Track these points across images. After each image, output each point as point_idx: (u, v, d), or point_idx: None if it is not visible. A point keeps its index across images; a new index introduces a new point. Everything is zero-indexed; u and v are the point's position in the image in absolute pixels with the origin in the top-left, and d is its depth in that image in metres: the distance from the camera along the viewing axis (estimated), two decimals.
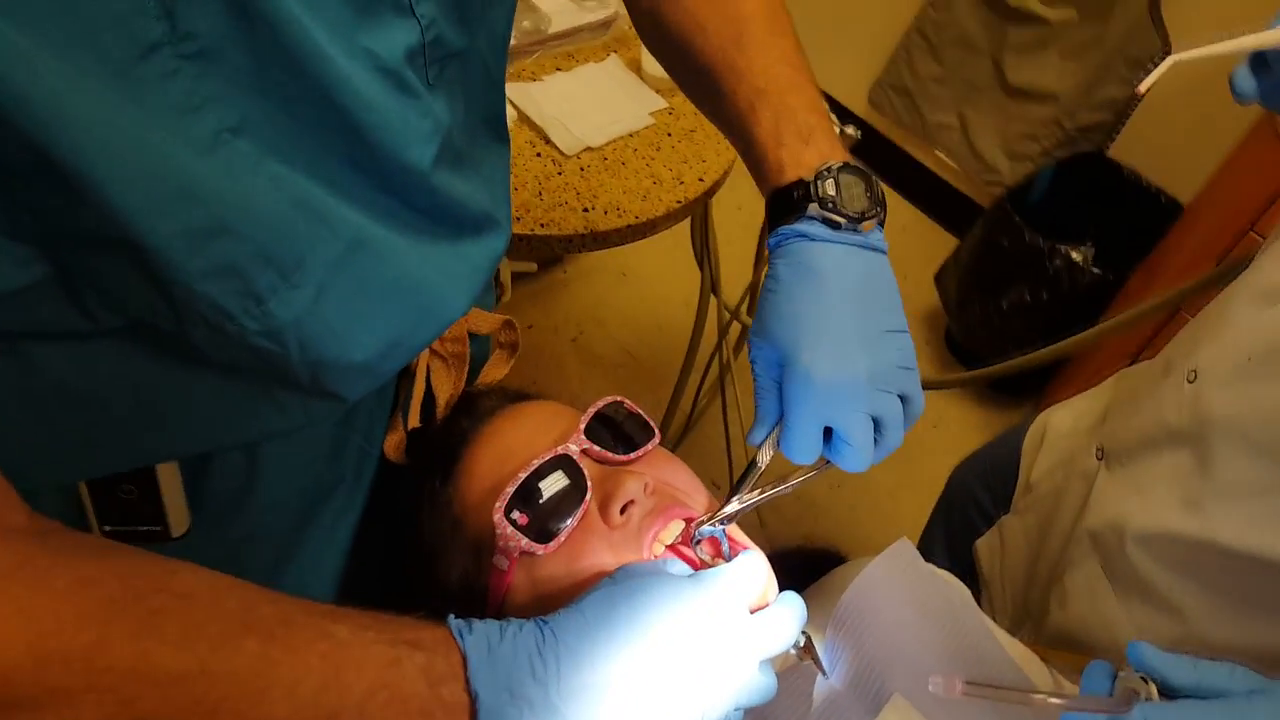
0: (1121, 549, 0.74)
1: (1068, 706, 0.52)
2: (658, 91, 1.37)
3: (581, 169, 1.23)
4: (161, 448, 0.56)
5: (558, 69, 1.36)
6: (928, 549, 1.16)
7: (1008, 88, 2.26)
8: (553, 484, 0.61)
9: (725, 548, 0.60)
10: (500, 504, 0.59)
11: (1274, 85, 0.69)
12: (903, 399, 0.59)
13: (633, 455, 0.65)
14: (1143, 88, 0.76)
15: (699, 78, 0.69)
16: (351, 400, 0.58)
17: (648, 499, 0.61)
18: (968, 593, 0.68)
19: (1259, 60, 0.72)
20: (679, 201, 1.21)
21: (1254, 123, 1.63)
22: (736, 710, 0.49)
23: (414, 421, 0.73)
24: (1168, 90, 1.99)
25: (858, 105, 2.66)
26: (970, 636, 0.60)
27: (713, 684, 0.47)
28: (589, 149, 1.25)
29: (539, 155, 1.23)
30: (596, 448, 0.63)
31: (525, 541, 0.58)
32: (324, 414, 0.60)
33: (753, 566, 0.53)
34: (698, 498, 0.64)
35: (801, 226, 0.60)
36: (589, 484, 0.61)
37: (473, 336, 0.78)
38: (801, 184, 0.60)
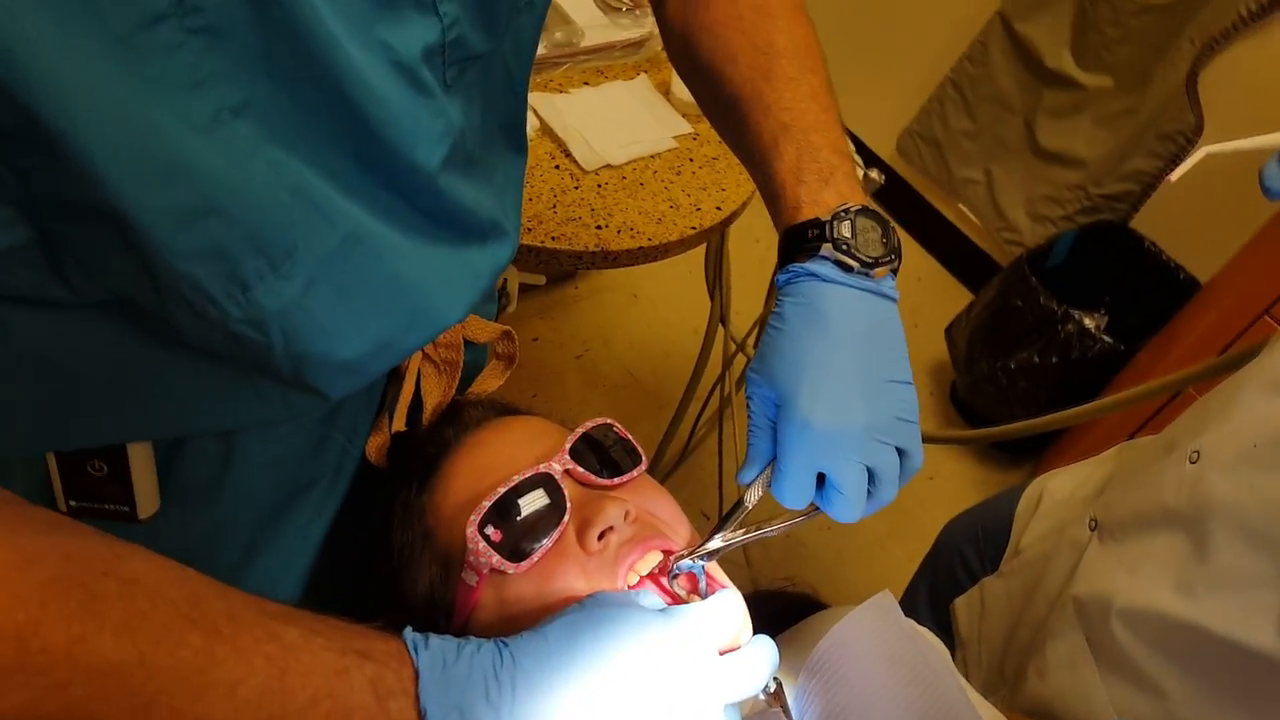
0: (1106, 623, 0.73)
1: None
2: (684, 116, 1.37)
3: (599, 186, 1.22)
4: (134, 427, 0.55)
5: (585, 83, 1.36)
6: (911, 603, 1.14)
7: (1037, 149, 2.26)
8: (531, 502, 0.59)
9: (702, 585, 0.58)
10: (475, 518, 0.58)
11: None
12: (901, 453, 0.57)
13: (617, 480, 0.63)
14: (1174, 176, 0.76)
15: (725, 108, 0.68)
16: (334, 398, 0.57)
17: (627, 527, 0.59)
18: (947, 654, 0.67)
19: None
20: (694, 228, 1.20)
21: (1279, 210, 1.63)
22: None
23: (399, 425, 0.72)
24: (1196, 168, 2.00)
25: (885, 151, 2.66)
26: (945, 701, 0.58)
27: None
28: (609, 166, 1.25)
29: (557, 168, 1.22)
30: (580, 469, 0.62)
31: (497, 559, 0.57)
32: (305, 409, 0.58)
33: (727, 606, 0.51)
34: (680, 530, 0.62)
35: (813, 266, 0.59)
36: (569, 506, 0.60)
37: (469, 345, 0.76)
38: (817, 223, 0.59)
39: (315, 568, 0.72)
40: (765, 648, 0.51)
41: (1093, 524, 0.82)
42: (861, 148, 2.70)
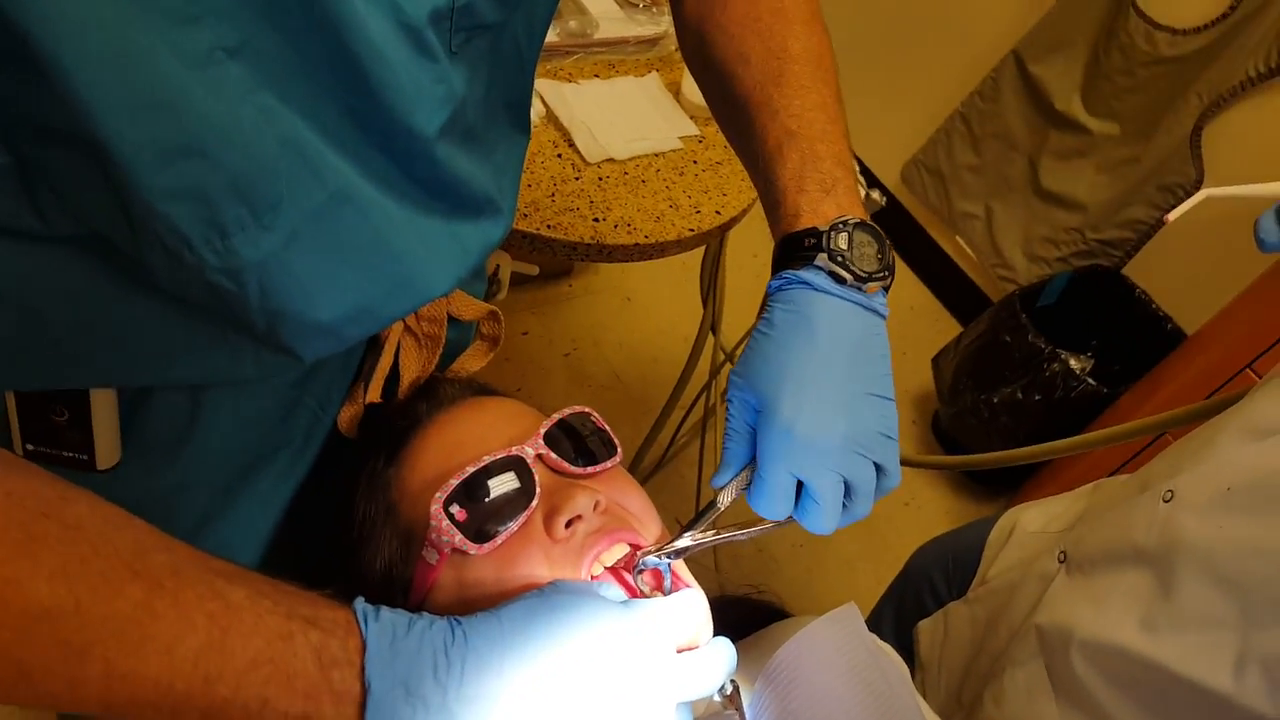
0: (1066, 654, 0.72)
1: None
2: (692, 118, 1.37)
3: (600, 179, 1.21)
4: (99, 371, 0.54)
5: (596, 75, 1.36)
6: (876, 624, 1.14)
7: (1039, 189, 2.27)
8: (500, 484, 0.58)
9: (667, 583, 0.57)
10: (441, 495, 0.57)
11: None
12: (878, 468, 0.57)
13: (590, 470, 0.62)
14: (1172, 216, 0.76)
15: (734, 109, 0.68)
16: (308, 360, 0.56)
17: (596, 517, 0.58)
18: (907, 671, 0.66)
19: None
20: (692, 230, 1.20)
21: (1272, 266, 1.64)
22: None
23: (373, 396, 0.71)
24: (1193, 222, 2.01)
25: (889, 178, 2.67)
26: (902, 717, 0.57)
27: (625, 718, 0.45)
28: (611, 160, 1.24)
29: (559, 156, 1.22)
30: (553, 455, 0.61)
31: (459, 538, 0.56)
32: (277, 369, 0.57)
33: (688, 604, 0.51)
34: (650, 526, 0.61)
35: (806, 275, 0.58)
36: (538, 491, 0.59)
37: (454, 322, 0.75)
38: (814, 232, 0.59)
39: (276, 535, 0.71)
40: (723, 648, 0.50)
41: (1062, 557, 0.82)
42: (866, 173, 2.71)
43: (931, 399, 2.35)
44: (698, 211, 1.23)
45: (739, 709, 0.56)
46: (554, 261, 2.23)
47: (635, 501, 0.62)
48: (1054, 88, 2.15)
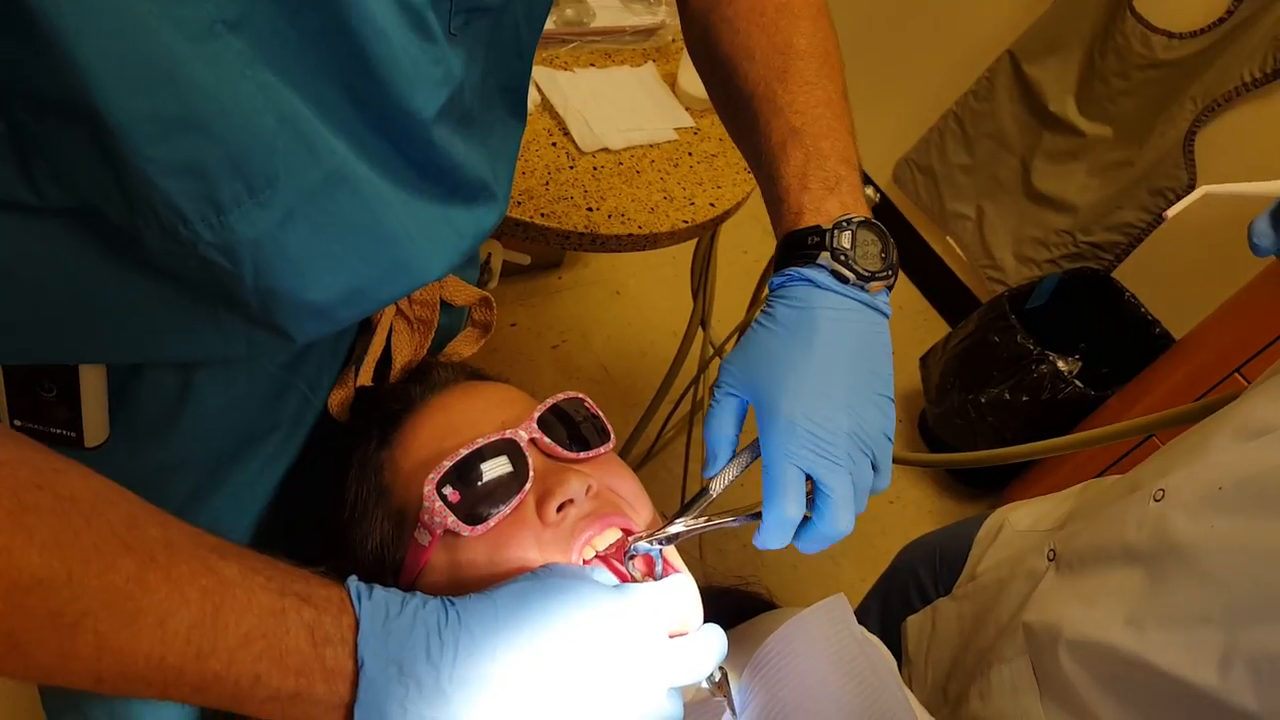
0: (1054, 652, 0.73)
1: None
2: (688, 109, 1.36)
3: (594, 169, 1.21)
4: (88, 348, 0.53)
5: (592, 65, 1.35)
6: (861, 619, 1.13)
7: (1031, 191, 2.28)
8: (493, 467, 0.58)
9: (658, 569, 0.57)
10: (434, 477, 0.57)
11: None
12: (873, 468, 0.57)
13: (583, 455, 0.62)
14: (1171, 213, 0.76)
15: (738, 105, 0.67)
16: (300, 341, 0.55)
17: (588, 502, 0.58)
18: (894, 664, 0.66)
19: None
20: (685, 222, 1.19)
21: (1261, 271, 1.65)
22: None
23: (365, 379, 0.70)
24: (1183, 227, 2.02)
25: (880, 176, 2.67)
26: (889, 708, 0.58)
27: (616, 703, 0.45)
28: (606, 150, 1.24)
29: (554, 145, 1.21)
30: (546, 439, 0.61)
31: (452, 520, 0.56)
32: (268, 350, 0.57)
33: (680, 589, 0.50)
34: (642, 512, 0.61)
35: (809, 272, 0.58)
36: (531, 474, 0.58)
37: (445, 307, 0.75)
38: (818, 230, 0.59)
39: (264, 519, 0.70)
40: (714, 635, 0.50)
41: (1051, 554, 0.82)
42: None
43: (918, 398, 2.36)
44: (692, 203, 1.23)
45: (727, 697, 0.56)
46: (545, 252, 2.23)
47: (628, 487, 0.62)
48: (1048, 89, 2.16)
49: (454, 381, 0.68)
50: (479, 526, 0.56)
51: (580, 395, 0.66)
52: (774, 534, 0.55)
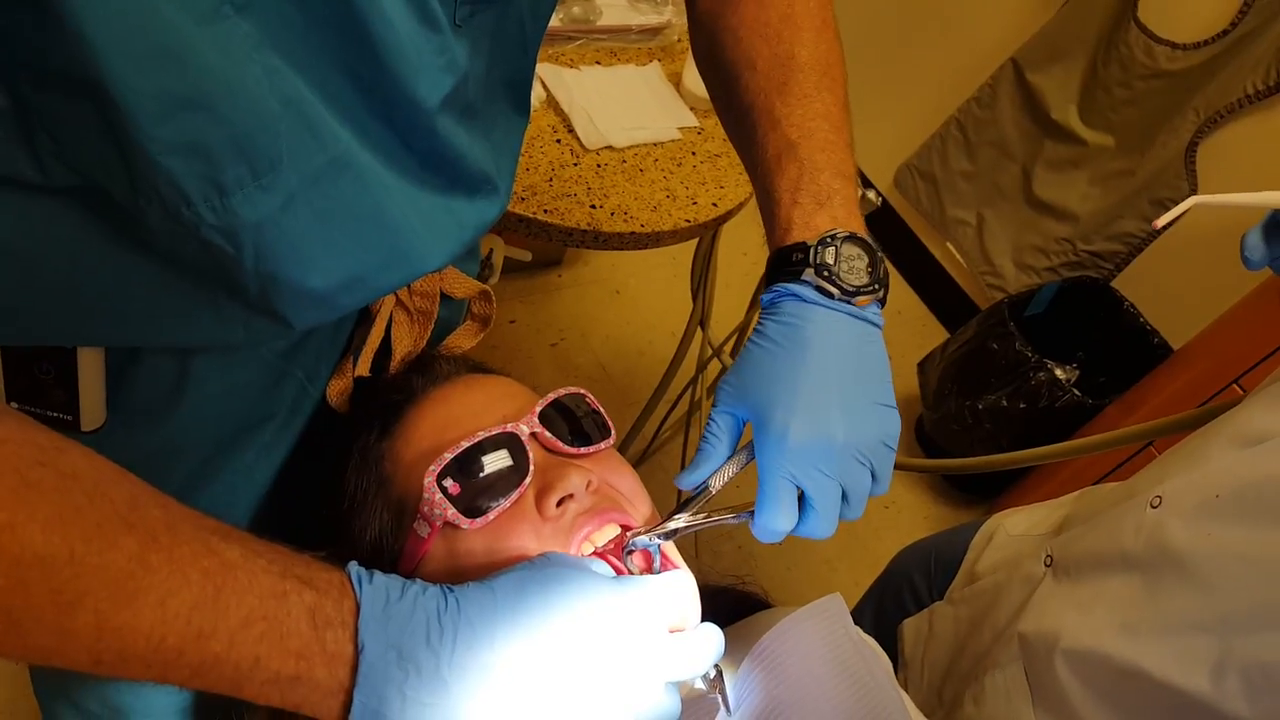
0: (1049, 660, 0.72)
1: None
2: (692, 109, 1.36)
3: (598, 166, 1.21)
4: (86, 330, 0.53)
5: (597, 62, 1.35)
6: (855, 622, 1.13)
7: (1032, 199, 2.28)
8: (494, 460, 0.58)
9: (656, 564, 0.57)
10: (435, 468, 0.57)
11: None
12: (872, 475, 0.57)
13: (583, 450, 0.62)
14: (1160, 223, 0.76)
15: (738, 115, 0.67)
16: (298, 328, 0.55)
17: (588, 497, 0.58)
18: (889, 665, 0.66)
19: (1273, 224, 0.72)
20: (688, 221, 1.19)
21: (1260, 283, 1.65)
22: None
23: (363, 370, 0.70)
24: (1182, 237, 2.03)
25: (882, 181, 2.68)
26: (884, 707, 0.57)
27: (615, 695, 0.45)
28: (610, 148, 1.24)
29: (559, 141, 1.21)
30: (547, 434, 0.61)
31: (451, 512, 0.56)
32: (266, 337, 0.57)
33: (681, 584, 0.50)
34: (641, 508, 0.61)
35: (795, 288, 0.58)
36: (531, 468, 0.58)
37: (445, 300, 0.75)
38: (802, 247, 0.59)
39: (260, 508, 0.70)
40: (713, 632, 0.50)
41: (1048, 560, 0.82)
42: (859, 174, 2.71)
43: (916, 403, 2.36)
44: (694, 203, 1.23)
45: (722, 693, 0.56)
46: (546, 249, 2.23)
47: (627, 483, 0.62)
48: (1051, 97, 2.16)
49: (456, 374, 0.68)
50: (478, 519, 0.56)
51: (582, 390, 0.66)
52: (765, 537, 0.56)
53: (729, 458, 0.59)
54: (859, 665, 0.59)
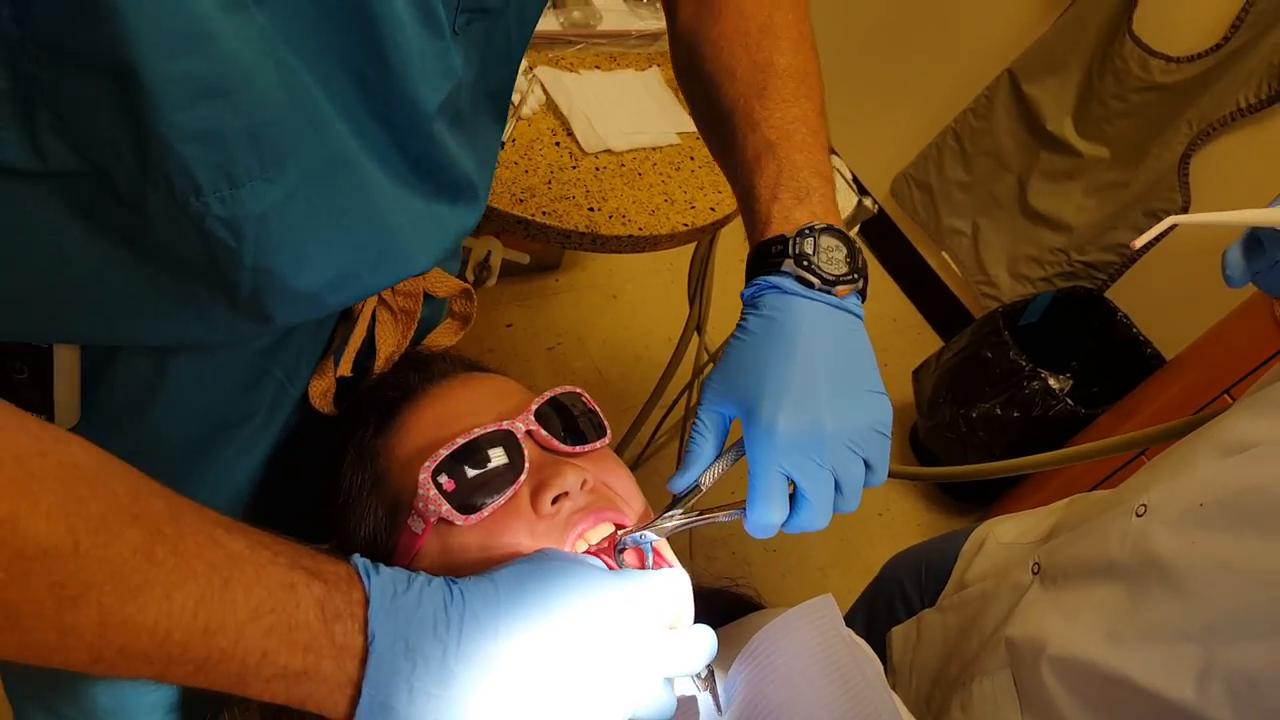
0: (1036, 667, 0.73)
1: None
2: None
3: (597, 169, 1.21)
4: (66, 326, 0.52)
5: (597, 67, 1.36)
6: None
7: (1027, 209, 2.29)
8: (489, 458, 0.58)
9: (649, 562, 0.58)
10: (430, 465, 0.57)
11: (1269, 268, 0.69)
12: (867, 464, 0.57)
13: (579, 449, 0.62)
14: (1138, 243, 0.76)
15: (717, 122, 0.68)
16: (282, 325, 0.55)
17: (582, 495, 0.58)
18: (880, 667, 0.66)
19: (1253, 241, 0.72)
20: (685, 225, 1.20)
21: (1251, 296, 1.66)
22: None
23: (345, 370, 0.69)
24: (1175, 248, 2.04)
25: (878, 190, 2.69)
26: (875, 708, 0.58)
27: (614, 688, 0.45)
28: (609, 151, 1.24)
29: (558, 144, 1.22)
30: (543, 432, 0.61)
31: (446, 508, 0.56)
32: (247, 334, 0.57)
33: (677, 581, 0.51)
34: (635, 507, 0.62)
35: (775, 279, 0.58)
36: (526, 466, 0.59)
37: (427, 299, 0.75)
38: (781, 239, 0.59)
39: (241, 507, 0.70)
40: (707, 631, 0.50)
41: (1035, 568, 0.82)
42: (855, 183, 2.72)
43: (910, 411, 2.37)
44: (692, 207, 1.23)
45: (713, 692, 0.56)
46: (544, 253, 2.23)
47: (623, 482, 0.63)
48: (1046, 109, 2.18)
49: (453, 372, 0.68)
50: (473, 516, 0.56)
51: (578, 390, 0.66)
52: (758, 533, 0.56)
53: (718, 455, 0.59)
54: (850, 666, 0.59)
